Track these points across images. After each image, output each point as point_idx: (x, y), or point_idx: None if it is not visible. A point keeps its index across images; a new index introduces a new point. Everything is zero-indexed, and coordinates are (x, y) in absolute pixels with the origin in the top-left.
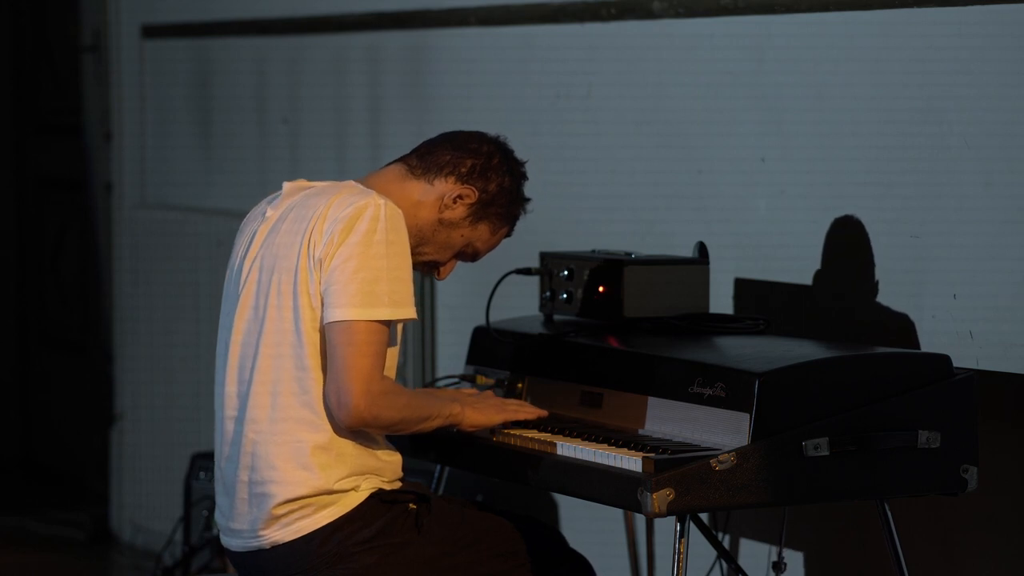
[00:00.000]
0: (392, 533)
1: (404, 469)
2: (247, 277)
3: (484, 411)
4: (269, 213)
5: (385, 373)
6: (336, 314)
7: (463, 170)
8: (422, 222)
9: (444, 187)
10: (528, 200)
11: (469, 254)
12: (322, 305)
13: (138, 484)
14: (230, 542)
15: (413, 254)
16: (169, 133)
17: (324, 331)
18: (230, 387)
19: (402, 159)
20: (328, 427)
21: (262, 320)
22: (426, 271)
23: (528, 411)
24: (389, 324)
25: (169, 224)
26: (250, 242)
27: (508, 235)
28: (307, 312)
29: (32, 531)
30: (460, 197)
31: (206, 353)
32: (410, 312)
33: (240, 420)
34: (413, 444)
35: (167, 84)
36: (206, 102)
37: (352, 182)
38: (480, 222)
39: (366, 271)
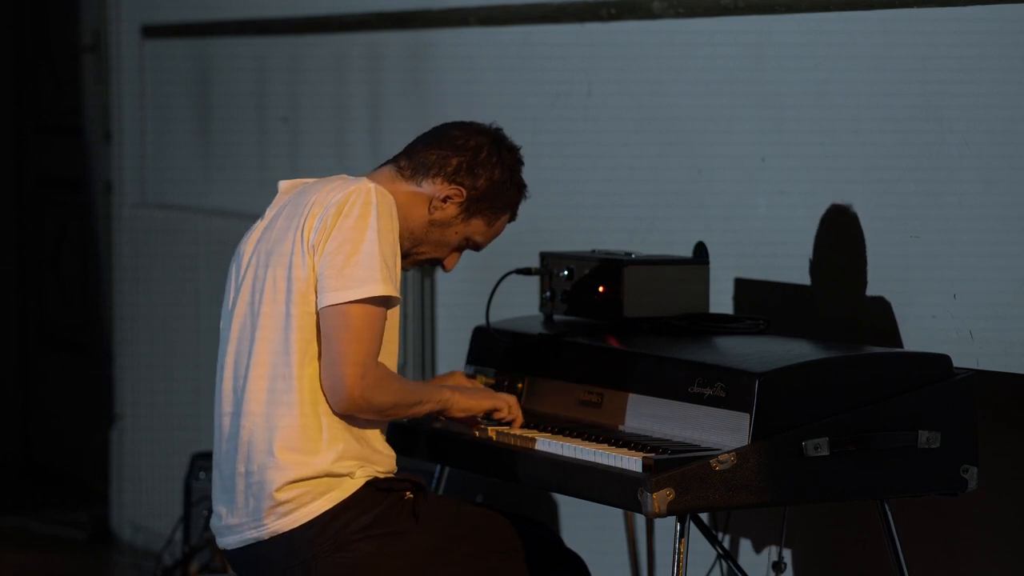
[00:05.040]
0: (389, 521)
1: (404, 469)
2: (244, 277)
3: (473, 397)
4: (267, 213)
5: (385, 362)
6: (330, 298)
7: (449, 169)
8: (414, 224)
9: (432, 188)
10: (525, 186)
11: (470, 246)
12: (315, 291)
13: (138, 484)
14: (228, 540)
15: (412, 254)
16: (169, 133)
17: (319, 316)
18: (227, 384)
19: (393, 160)
20: (314, 409)
21: (257, 311)
22: (429, 266)
23: (515, 413)
24: (385, 305)
25: (169, 224)
26: (247, 244)
27: (511, 220)
28: (299, 297)
29: (32, 531)
30: (448, 197)
31: (206, 353)
32: (396, 292)
33: (237, 414)
34: (414, 445)
35: (167, 84)
36: (206, 102)
37: (345, 175)
38: (473, 217)
39: (359, 255)
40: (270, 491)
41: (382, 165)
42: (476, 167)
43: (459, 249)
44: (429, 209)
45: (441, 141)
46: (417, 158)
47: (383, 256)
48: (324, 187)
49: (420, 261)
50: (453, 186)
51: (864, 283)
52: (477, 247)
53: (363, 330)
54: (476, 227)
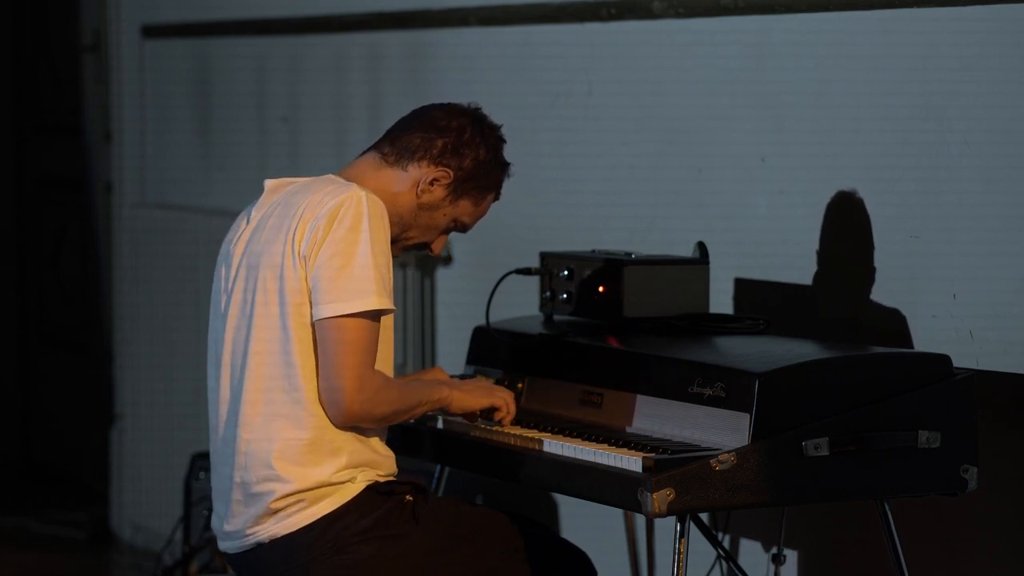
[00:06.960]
0: (389, 524)
1: (403, 470)
2: (235, 279)
3: (472, 393)
4: (253, 214)
5: (381, 368)
6: (325, 311)
7: (435, 151)
8: (402, 209)
9: (418, 172)
10: (508, 165)
11: (457, 228)
12: (310, 302)
13: (138, 484)
14: (228, 545)
15: (400, 239)
16: (169, 133)
17: (314, 327)
18: (223, 390)
19: (375, 146)
20: (320, 423)
21: (250, 319)
22: (417, 251)
23: (511, 409)
24: (379, 316)
25: (169, 223)
26: (235, 246)
27: (495, 200)
28: (293, 309)
29: (32, 531)
30: (436, 180)
31: (206, 352)
32: (391, 304)
33: (233, 422)
34: (414, 445)
35: (167, 84)
36: (206, 102)
37: (332, 176)
38: (461, 198)
39: (352, 266)
40: (268, 501)
41: (364, 152)
42: (461, 147)
43: (446, 232)
44: (416, 193)
45: (423, 123)
46: (400, 143)
47: (377, 266)
48: (315, 191)
49: (409, 246)
50: (440, 168)
51: (864, 283)
52: (464, 228)
53: (358, 343)
54: (464, 208)
